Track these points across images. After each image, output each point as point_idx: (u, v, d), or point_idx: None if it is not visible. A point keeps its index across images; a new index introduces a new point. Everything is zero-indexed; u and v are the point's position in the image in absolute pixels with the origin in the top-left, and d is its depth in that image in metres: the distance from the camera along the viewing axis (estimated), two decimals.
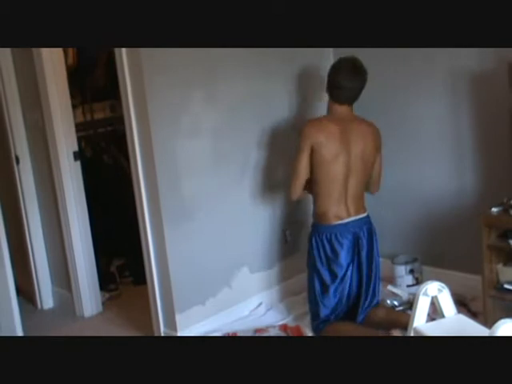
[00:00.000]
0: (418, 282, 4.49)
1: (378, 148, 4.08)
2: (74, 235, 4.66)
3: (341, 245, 3.96)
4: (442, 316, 2.69)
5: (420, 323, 2.69)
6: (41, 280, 5.03)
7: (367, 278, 4.00)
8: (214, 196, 4.20)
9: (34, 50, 4.36)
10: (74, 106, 4.91)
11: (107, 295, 5.07)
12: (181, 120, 3.99)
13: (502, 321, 2.23)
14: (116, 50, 3.87)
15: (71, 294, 4.83)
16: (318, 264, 4.02)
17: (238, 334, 4.12)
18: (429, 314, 2.74)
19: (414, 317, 2.70)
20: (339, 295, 4.01)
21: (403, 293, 4.36)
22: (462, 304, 4.03)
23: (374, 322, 3.96)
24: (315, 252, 4.03)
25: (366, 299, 4.00)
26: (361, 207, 4.04)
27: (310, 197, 4.15)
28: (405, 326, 3.35)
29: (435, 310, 2.78)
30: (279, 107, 4.52)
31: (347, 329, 3.89)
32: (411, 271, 4.54)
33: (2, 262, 4.15)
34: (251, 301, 4.51)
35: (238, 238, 4.39)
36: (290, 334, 4.10)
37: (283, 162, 4.50)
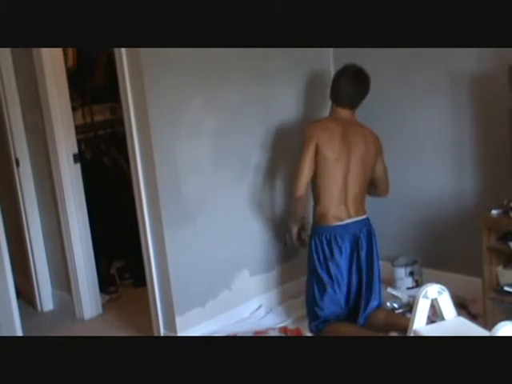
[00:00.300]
0: (418, 284, 4.49)
1: (378, 152, 4.09)
2: (73, 237, 4.66)
3: (340, 247, 3.95)
4: (442, 318, 2.70)
5: (420, 325, 2.69)
6: (41, 282, 5.02)
7: (367, 280, 3.99)
8: (214, 198, 4.20)
9: (34, 51, 4.36)
10: (73, 109, 4.90)
11: (107, 297, 5.07)
12: (181, 122, 3.99)
13: (502, 323, 2.24)
14: (116, 50, 3.87)
15: (71, 297, 4.83)
16: (317, 266, 4.02)
17: None
18: (429, 317, 2.74)
19: (413, 319, 2.70)
20: (338, 297, 4.01)
21: (403, 295, 4.36)
22: (461, 306, 4.02)
23: (374, 325, 3.95)
24: (314, 254, 4.03)
25: (366, 302, 3.99)
26: (361, 209, 4.04)
27: (311, 199, 4.14)
28: (404, 328, 3.36)
29: (435, 313, 2.78)
30: (280, 109, 4.52)
31: (347, 330, 3.88)
32: (411, 273, 4.54)
33: (2, 264, 4.15)
34: (251, 303, 4.50)
35: (238, 240, 4.38)
36: None
37: (284, 164, 4.50)
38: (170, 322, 4.14)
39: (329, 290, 3.99)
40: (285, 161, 4.50)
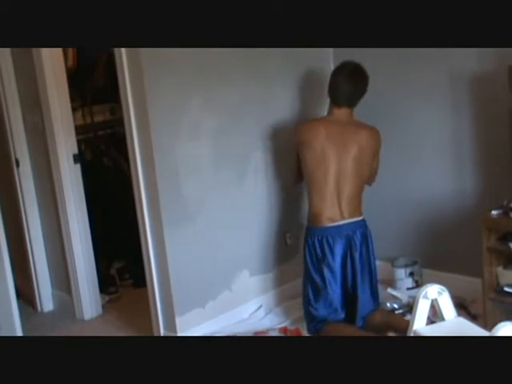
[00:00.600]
0: (418, 284, 4.49)
1: (376, 152, 4.07)
2: (73, 238, 4.66)
3: (332, 248, 3.94)
4: (442, 319, 2.69)
5: (420, 326, 2.69)
6: (41, 283, 5.02)
7: (362, 281, 3.97)
8: (214, 198, 4.20)
9: (34, 51, 4.36)
10: (73, 109, 4.90)
11: (107, 298, 5.07)
12: (181, 122, 3.99)
13: (502, 323, 2.23)
14: (116, 50, 3.88)
15: (71, 297, 4.83)
16: (310, 267, 4.02)
17: None
18: (429, 317, 2.74)
19: (413, 319, 2.70)
20: (331, 299, 3.99)
21: (403, 296, 4.36)
22: (461, 307, 4.02)
23: (372, 325, 3.94)
24: (307, 255, 4.03)
25: (362, 304, 3.97)
26: (356, 211, 4.01)
27: (306, 202, 4.16)
28: (402, 329, 3.40)
29: (435, 313, 2.78)
30: (280, 109, 4.52)
31: (345, 331, 3.87)
32: (411, 274, 4.54)
33: (2, 264, 4.15)
34: (251, 304, 4.51)
35: (239, 240, 4.38)
36: None
37: (284, 164, 4.50)
38: (170, 323, 4.14)
39: (322, 291, 3.99)
40: (284, 161, 4.50)
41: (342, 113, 4.04)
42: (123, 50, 3.81)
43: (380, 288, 4.22)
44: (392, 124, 4.48)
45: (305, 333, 4.10)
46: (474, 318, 3.93)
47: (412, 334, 2.67)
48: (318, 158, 3.93)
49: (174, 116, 3.96)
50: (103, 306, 4.92)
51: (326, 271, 3.95)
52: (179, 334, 4.10)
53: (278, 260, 4.64)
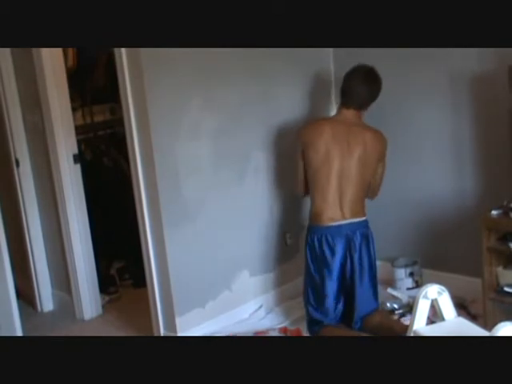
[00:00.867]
0: (418, 284, 4.48)
1: (381, 156, 4.05)
2: (73, 238, 4.66)
3: (332, 247, 3.92)
4: (442, 319, 2.69)
5: (420, 326, 2.69)
6: (41, 283, 5.02)
7: (360, 282, 3.94)
8: (214, 198, 4.20)
9: (33, 51, 4.36)
10: (73, 109, 4.90)
11: (107, 298, 5.07)
12: (181, 122, 3.99)
13: (502, 323, 2.23)
14: (116, 50, 3.88)
15: (71, 297, 4.83)
16: (311, 267, 4.01)
17: None
18: (429, 317, 2.74)
19: (413, 320, 2.70)
20: (331, 299, 3.98)
21: (403, 296, 4.36)
22: (461, 307, 4.02)
23: (370, 327, 3.93)
24: (308, 255, 4.02)
25: (361, 305, 3.96)
26: (358, 211, 3.99)
27: (307, 201, 4.15)
28: (398, 333, 3.41)
29: (435, 313, 2.78)
30: (280, 109, 4.52)
31: (342, 333, 3.85)
32: (411, 274, 4.54)
33: (2, 264, 4.15)
34: (251, 304, 4.51)
35: (239, 240, 4.38)
36: None
37: (284, 164, 4.50)
38: (170, 323, 4.14)
39: (322, 291, 3.97)
40: (285, 161, 4.50)
41: (349, 113, 4.03)
42: (123, 50, 3.81)
43: (380, 288, 4.21)
44: (392, 124, 4.47)
45: (305, 333, 4.10)
46: (474, 318, 3.93)
47: (412, 334, 2.67)
48: (322, 158, 3.93)
49: (174, 116, 3.96)
50: (103, 306, 4.92)
51: (325, 271, 3.95)
52: (179, 334, 4.10)
53: (278, 260, 4.64)
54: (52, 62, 4.41)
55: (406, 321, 3.96)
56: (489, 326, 2.75)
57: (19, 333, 4.26)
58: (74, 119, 4.79)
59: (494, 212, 3.68)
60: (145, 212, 4.02)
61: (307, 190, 4.13)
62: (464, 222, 4.23)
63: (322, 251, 3.94)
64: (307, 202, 4.18)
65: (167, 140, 3.93)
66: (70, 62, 5.36)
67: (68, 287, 4.85)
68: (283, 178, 4.54)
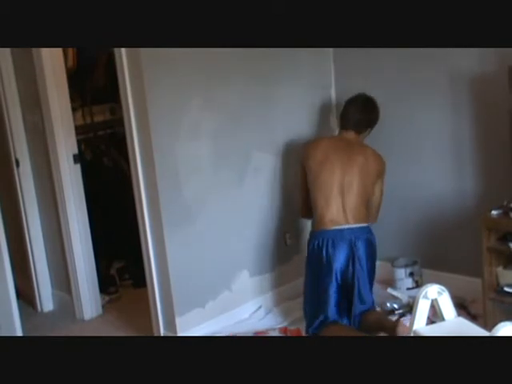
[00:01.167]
0: (418, 284, 4.48)
1: (380, 173, 4.14)
2: (73, 238, 4.66)
3: (334, 252, 3.92)
4: (442, 319, 2.69)
5: (420, 326, 2.69)
6: (41, 283, 5.02)
7: (359, 289, 3.95)
8: (214, 199, 4.20)
9: (34, 51, 4.36)
10: (73, 109, 4.90)
11: (107, 298, 5.07)
12: (181, 122, 3.99)
13: (502, 323, 2.23)
14: (116, 50, 3.88)
15: (71, 297, 4.83)
16: (312, 272, 4.02)
17: None
18: (429, 317, 2.73)
19: (413, 320, 2.70)
20: (332, 306, 3.96)
21: (403, 296, 4.35)
22: (461, 307, 4.02)
23: (364, 327, 3.93)
24: (309, 257, 4.02)
25: (358, 307, 3.96)
26: (362, 218, 4.02)
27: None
28: (389, 330, 3.44)
29: (435, 313, 2.78)
30: (280, 109, 4.51)
31: (343, 333, 3.85)
32: (411, 274, 4.54)
33: (2, 264, 4.15)
34: (251, 304, 4.51)
35: (238, 241, 4.38)
36: None
37: (284, 164, 4.51)
38: (170, 323, 4.14)
39: (323, 295, 3.96)
40: (285, 161, 4.51)
41: (349, 134, 4.18)
42: (123, 50, 3.81)
43: (380, 288, 4.21)
44: (392, 124, 4.47)
45: (305, 333, 4.10)
46: (474, 318, 3.92)
47: (412, 334, 2.67)
48: (323, 166, 4.02)
49: (174, 116, 3.95)
50: (103, 306, 4.92)
51: (325, 277, 3.95)
52: (179, 334, 4.10)
53: (277, 260, 4.63)
54: (52, 62, 4.41)
55: (406, 321, 3.95)
56: (489, 326, 2.75)
57: (19, 333, 4.25)
58: (74, 119, 4.79)
59: (493, 212, 3.68)
60: (145, 212, 4.02)
61: (307, 212, 4.24)
62: (464, 222, 4.23)
63: (324, 255, 3.94)
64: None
65: (167, 140, 3.93)
66: (70, 62, 5.36)
67: (68, 287, 4.85)
68: (283, 179, 4.54)
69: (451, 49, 3.79)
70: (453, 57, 4.09)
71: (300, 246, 4.63)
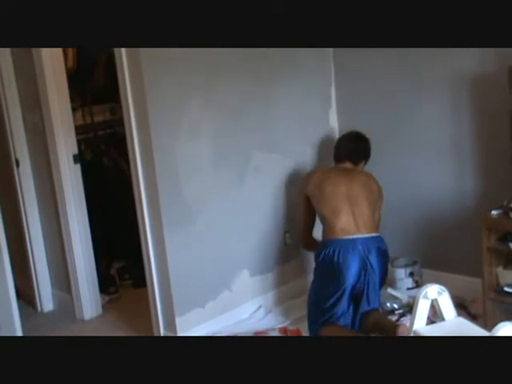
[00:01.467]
0: (418, 284, 4.48)
1: (381, 194, 4.20)
2: (73, 238, 4.66)
3: (346, 264, 3.88)
4: (442, 319, 2.69)
5: (420, 326, 2.69)
6: (41, 283, 5.02)
7: (367, 298, 3.94)
8: (214, 199, 4.20)
9: (34, 51, 4.36)
10: (73, 109, 4.90)
11: (107, 298, 5.07)
12: (181, 122, 3.99)
13: (502, 323, 2.23)
14: (116, 50, 3.88)
15: (71, 297, 4.83)
16: (321, 281, 4.00)
17: None
18: (429, 317, 2.73)
19: (413, 320, 2.70)
20: (338, 309, 3.93)
21: (403, 296, 4.35)
22: (461, 307, 4.02)
23: (365, 327, 3.92)
24: (320, 268, 4.02)
25: (364, 308, 3.96)
26: (373, 227, 4.03)
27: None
28: (387, 329, 3.54)
29: (435, 313, 2.78)
30: (280, 109, 4.51)
31: (341, 334, 3.84)
32: (411, 274, 4.53)
33: (2, 264, 4.15)
34: (251, 304, 4.50)
35: (238, 240, 4.38)
36: None
37: (284, 164, 4.51)
38: (170, 323, 4.14)
39: (330, 300, 3.91)
40: (284, 161, 4.51)
41: (345, 164, 4.25)
42: (123, 50, 3.81)
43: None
44: (392, 124, 4.48)
45: (305, 332, 4.10)
46: (474, 318, 3.92)
47: (412, 334, 2.67)
48: (323, 182, 4.11)
49: (174, 116, 3.96)
50: (103, 306, 4.92)
51: (335, 286, 3.90)
52: (179, 334, 4.10)
53: (277, 260, 4.63)
54: (52, 62, 4.41)
55: (405, 321, 3.95)
56: (489, 326, 2.75)
57: (19, 333, 4.25)
58: (74, 119, 4.79)
59: (493, 212, 3.68)
60: (145, 212, 4.02)
61: (309, 243, 4.33)
62: (464, 222, 4.23)
63: (336, 265, 3.90)
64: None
65: (167, 140, 3.93)
66: (70, 62, 5.36)
67: (68, 287, 4.85)
68: (283, 179, 4.54)
69: (451, 49, 3.79)
70: (453, 57, 4.09)
71: (300, 246, 4.63)
